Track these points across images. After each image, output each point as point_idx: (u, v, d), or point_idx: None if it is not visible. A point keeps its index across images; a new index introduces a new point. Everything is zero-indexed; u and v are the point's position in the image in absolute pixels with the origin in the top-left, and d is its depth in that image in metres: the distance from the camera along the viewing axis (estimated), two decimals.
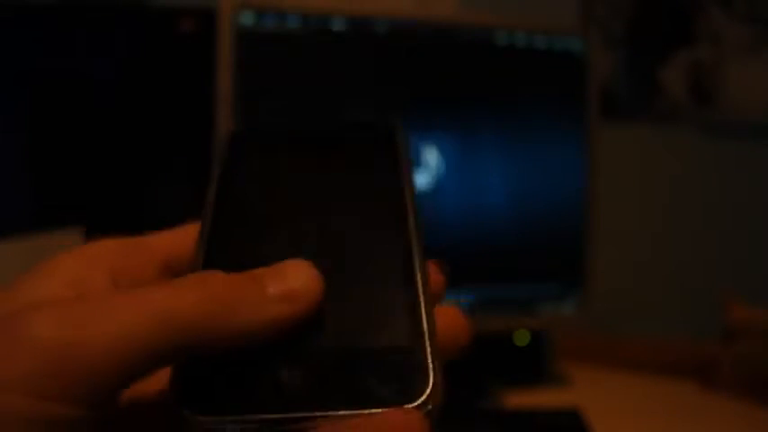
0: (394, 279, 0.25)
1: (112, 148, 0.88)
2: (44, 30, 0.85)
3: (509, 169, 0.91)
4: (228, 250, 0.25)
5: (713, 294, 1.05)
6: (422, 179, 0.88)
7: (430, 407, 0.22)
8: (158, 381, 0.23)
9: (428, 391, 0.22)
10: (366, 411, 0.20)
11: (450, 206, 0.89)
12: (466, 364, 1.02)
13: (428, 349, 0.22)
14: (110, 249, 0.24)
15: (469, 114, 0.90)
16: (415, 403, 0.21)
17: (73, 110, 0.87)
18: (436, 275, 0.26)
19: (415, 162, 0.88)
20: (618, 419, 0.85)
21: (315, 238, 0.26)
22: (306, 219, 0.27)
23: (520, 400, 0.90)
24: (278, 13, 0.82)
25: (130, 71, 0.88)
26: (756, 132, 1.17)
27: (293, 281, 0.22)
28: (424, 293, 0.24)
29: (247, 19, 0.81)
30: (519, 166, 0.92)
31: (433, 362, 0.22)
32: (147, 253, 0.25)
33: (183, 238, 0.27)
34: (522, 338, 0.98)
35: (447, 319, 0.24)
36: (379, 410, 0.20)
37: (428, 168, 0.88)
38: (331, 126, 0.33)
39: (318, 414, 0.20)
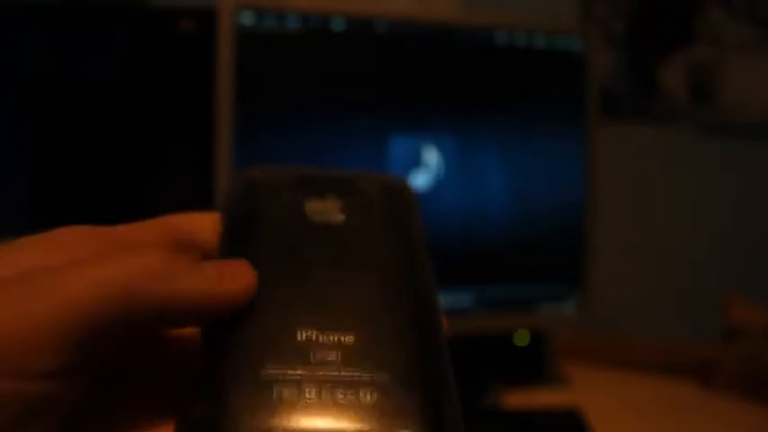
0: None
1: (112, 147, 0.88)
2: (44, 30, 0.85)
3: (509, 169, 0.91)
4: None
5: (713, 294, 1.05)
6: (422, 179, 0.88)
7: None
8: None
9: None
10: None
11: (450, 206, 0.89)
12: (466, 364, 1.02)
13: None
14: (76, 236, 0.24)
15: (469, 114, 0.90)
16: None
17: (73, 110, 0.87)
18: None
19: (416, 162, 0.88)
20: (618, 419, 0.85)
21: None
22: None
23: (520, 400, 0.90)
24: (278, 13, 0.82)
25: (131, 71, 0.88)
26: (756, 132, 1.17)
27: (230, 266, 0.24)
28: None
29: (247, 19, 0.81)
30: (519, 166, 0.92)
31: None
32: (114, 242, 0.25)
33: (153, 230, 0.27)
34: (522, 338, 0.98)
35: None
36: None
37: (428, 168, 0.88)
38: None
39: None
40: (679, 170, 1.20)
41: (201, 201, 0.87)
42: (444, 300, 0.89)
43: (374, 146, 0.86)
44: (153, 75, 0.89)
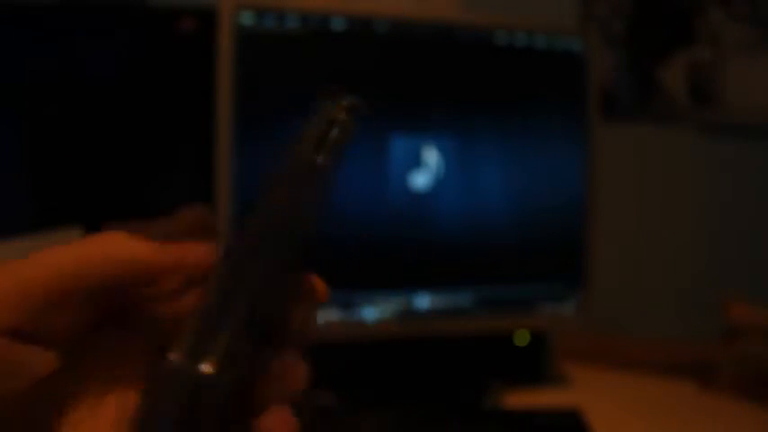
0: None
1: (112, 147, 0.88)
2: (44, 30, 0.85)
3: (509, 169, 0.91)
4: None
5: (713, 294, 1.04)
6: (422, 179, 0.88)
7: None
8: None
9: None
10: None
11: (450, 206, 0.89)
12: (466, 364, 1.02)
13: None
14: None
15: (469, 114, 0.90)
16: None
17: (73, 110, 0.87)
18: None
19: (416, 162, 0.88)
20: (618, 419, 0.85)
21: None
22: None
23: (520, 400, 0.90)
24: (278, 13, 0.82)
25: (131, 71, 0.88)
26: (756, 132, 1.17)
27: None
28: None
29: (247, 19, 0.81)
30: (519, 165, 0.92)
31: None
32: None
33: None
34: (522, 338, 0.98)
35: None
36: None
37: (428, 168, 0.88)
38: None
39: None
40: (679, 170, 1.20)
41: (202, 200, 0.87)
42: (444, 300, 0.89)
43: (374, 146, 0.86)
44: (153, 75, 0.89)
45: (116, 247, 0.26)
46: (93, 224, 0.82)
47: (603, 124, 1.01)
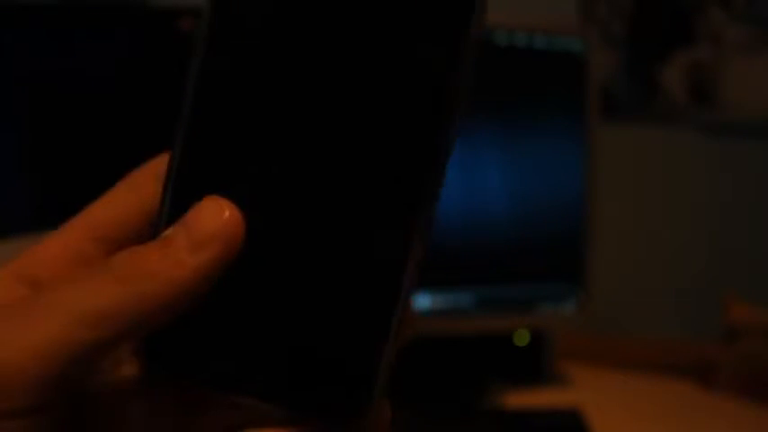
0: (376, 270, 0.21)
1: (112, 148, 0.88)
2: (44, 30, 0.85)
3: (509, 169, 0.91)
4: (197, 192, 0.22)
5: (713, 294, 1.04)
6: None
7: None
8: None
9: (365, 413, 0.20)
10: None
11: (450, 206, 0.89)
12: (466, 364, 1.02)
13: (379, 369, 0.20)
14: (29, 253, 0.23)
15: (469, 114, 0.90)
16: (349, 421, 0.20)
17: (73, 110, 0.87)
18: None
19: None
20: (618, 419, 0.85)
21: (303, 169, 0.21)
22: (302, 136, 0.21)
23: (520, 400, 0.90)
24: None
25: (130, 71, 0.88)
26: (756, 132, 1.17)
27: (204, 226, 0.20)
28: (402, 307, 0.21)
29: None
30: (519, 165, 0.92)
31: (378, 386, 0.20)
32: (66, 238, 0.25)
33: (117, 206, 0.25)
34: (522, 338, 0.98)
35: None
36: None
37: None
38: None
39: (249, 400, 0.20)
40: (679, 170, 1.20)
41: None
42: (444, 300, 0.89)
43: None
44: (153, 75, 0.89)
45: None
46: None
47: (603, 124, 1.01)
